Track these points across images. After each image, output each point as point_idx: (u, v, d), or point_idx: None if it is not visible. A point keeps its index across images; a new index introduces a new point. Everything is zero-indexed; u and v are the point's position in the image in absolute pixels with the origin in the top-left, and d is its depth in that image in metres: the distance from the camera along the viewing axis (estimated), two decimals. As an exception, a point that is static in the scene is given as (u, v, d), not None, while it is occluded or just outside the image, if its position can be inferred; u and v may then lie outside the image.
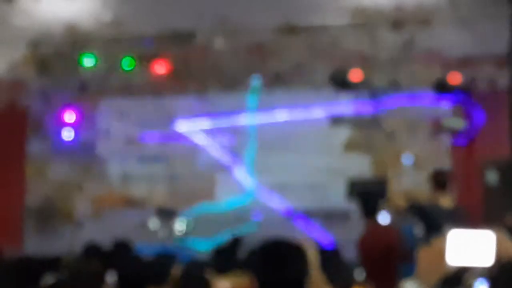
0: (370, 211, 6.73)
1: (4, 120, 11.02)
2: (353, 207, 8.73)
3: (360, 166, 9.91)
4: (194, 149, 10.67)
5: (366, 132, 9.87)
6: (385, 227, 6.93)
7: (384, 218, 6.90)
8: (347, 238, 7.62)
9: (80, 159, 10.93)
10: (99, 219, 10.82)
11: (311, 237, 8.81)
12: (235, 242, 9.81)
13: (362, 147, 9.94)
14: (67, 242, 9.76)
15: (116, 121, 10.93)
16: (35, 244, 10.15)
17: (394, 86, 9.68)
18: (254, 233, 9.01)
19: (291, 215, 9.23)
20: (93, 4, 10.61)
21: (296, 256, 3.06)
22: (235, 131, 10.53)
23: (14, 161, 11.07)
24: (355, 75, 6.45)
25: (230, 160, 10.53)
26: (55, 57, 10.76)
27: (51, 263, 5.44)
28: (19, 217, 11.00)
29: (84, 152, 10.93)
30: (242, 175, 10.45)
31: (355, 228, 7.72)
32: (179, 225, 9.55)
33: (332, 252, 6.74)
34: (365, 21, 9.72)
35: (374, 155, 9.87)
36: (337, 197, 9.57)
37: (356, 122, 7.32)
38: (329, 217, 9.18)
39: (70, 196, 10.94)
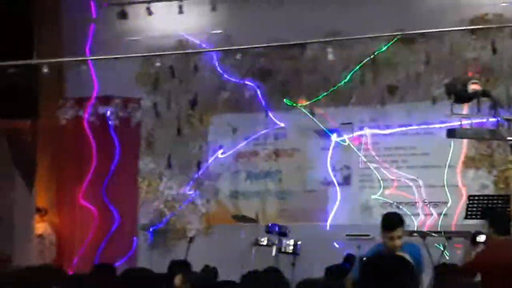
0: (498, 228, 6.32)
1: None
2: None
3: (482, 181, 9.46)
4: (306, 165, 10.45)
5: (487, 145, 9.41)
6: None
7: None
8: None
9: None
10: (210, 236, 10.75)
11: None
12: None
13: (484, 162, 9.48)
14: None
15: (227, 136, 10.84)
16: (148, 260, 10.16)
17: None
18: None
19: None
20: (203, 19, 10.64)
21: (403, 269, 3.13)
22: (347, 147, 10.25)
23: (127, 178, 11.21)
24: (475, 85, 6.05)
25: (342, 176, 10.26)
26: (168, 72, 10.82)
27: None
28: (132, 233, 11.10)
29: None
30: (354, 191, 10.16)
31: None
32: (290, 242, 9.37)
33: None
34: (485, 30, 9.30)
35: (496, 170, 9.42)
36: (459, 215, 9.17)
37: (477, 135, 6.89)
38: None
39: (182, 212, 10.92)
